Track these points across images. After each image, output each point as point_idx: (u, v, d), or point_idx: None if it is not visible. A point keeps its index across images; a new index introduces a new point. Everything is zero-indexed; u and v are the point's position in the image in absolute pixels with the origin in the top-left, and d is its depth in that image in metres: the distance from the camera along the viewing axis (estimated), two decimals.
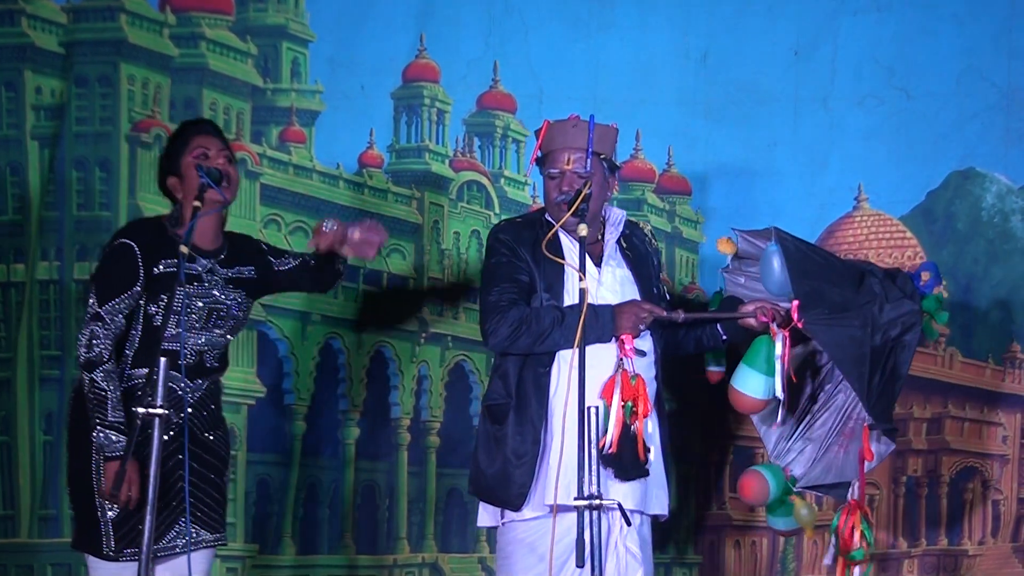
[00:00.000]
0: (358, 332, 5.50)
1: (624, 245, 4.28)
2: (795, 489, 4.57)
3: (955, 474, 5.46)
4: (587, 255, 4.09)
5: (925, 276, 4.51)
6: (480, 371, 5.56)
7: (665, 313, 4.15)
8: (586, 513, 3.60)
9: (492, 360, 5.57)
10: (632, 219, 4.46)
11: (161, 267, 4.10)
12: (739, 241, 4.56)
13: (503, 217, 5.54)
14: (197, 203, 4.10)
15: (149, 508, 3.73)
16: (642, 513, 4.17)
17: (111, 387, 4.03)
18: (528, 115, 5.55)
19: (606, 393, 3.99)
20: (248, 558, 5.39)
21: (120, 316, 4.08)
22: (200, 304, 4.14)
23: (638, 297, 4.21)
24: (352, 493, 5.46)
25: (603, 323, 4.04)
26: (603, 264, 4.22)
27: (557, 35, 5.49)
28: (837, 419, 4.58)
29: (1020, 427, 5.47)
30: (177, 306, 4.04)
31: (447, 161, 5.61)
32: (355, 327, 5.51)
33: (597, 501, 3.62)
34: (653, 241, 4.41)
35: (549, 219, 4.23)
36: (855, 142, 5.44)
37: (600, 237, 4.25)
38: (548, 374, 4.13)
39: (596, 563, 3.62)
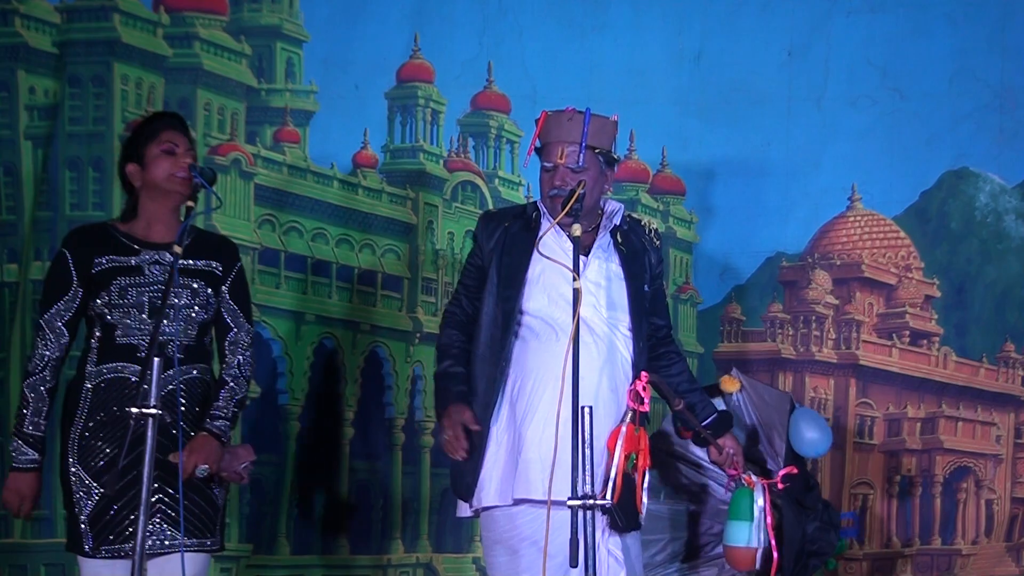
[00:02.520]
0: (352, 332, 5.51)
1: (619, 240, 4.24)
2: None
3: (949, 473, 5.47)
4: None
5: (848, 522, 4.65)
6: None
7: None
8: (579, 513, 3.59)
9: None
10: (635, 216, 4.40)
11: (96, 263, 4.09)
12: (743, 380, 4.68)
13: None
14: (191, 203, 4.09)
15: (142, 508, 3.72)
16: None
17: (35, 398, 4.05)
18: (522, 115, 5.56)
19: (611, 442, 3.92)
20: (243, 558, 5.39)
21: (59, 325, 4.07)
22: (144, 298, 4.10)
23: (624, 292, 4.17)
24: (346, 493, 5.46)
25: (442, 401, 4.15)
26: (590, 256, 4.18)
27: (551, 35, 5.49)
28: None
29: (1013, 426, 5.48)
30: (163, 301, 4.01)
31: (441, 161, 5.61)
32: (349, 327, 5.51)
33: (591, 501, 3.61)
34: (656, 240, 4.29)
35: (542, 207, 4.19)
36: (848, 142, 5.45)
37: (594, 228, 4.21)
38: (504, 373, 4.12)
39: (590, 563, 3.62)
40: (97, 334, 4.12)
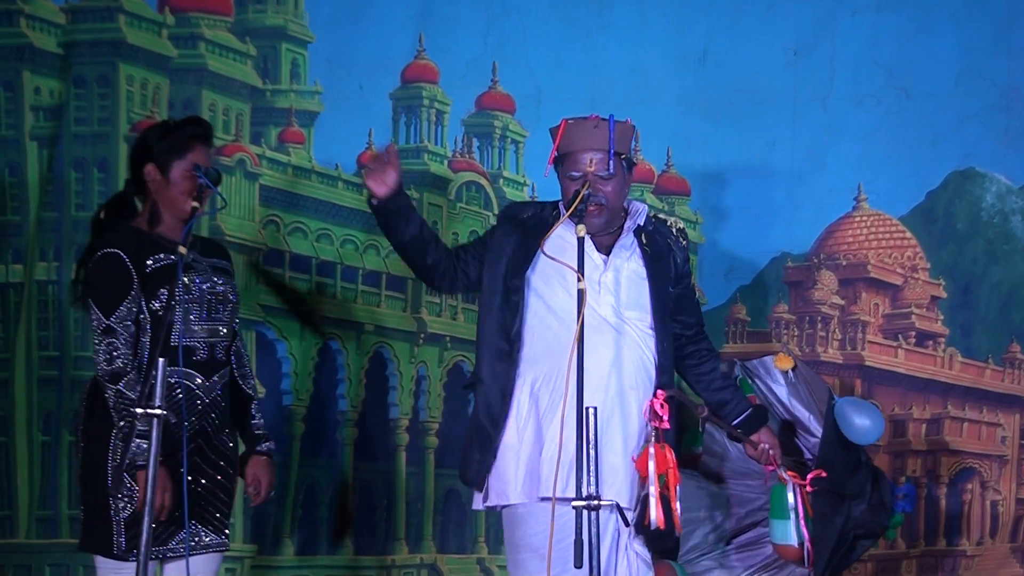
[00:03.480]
0: (357, 333, 5.51)
1: (644, 240, 4.24)
2: None
3: (954, 475, 5.46)
4: (594, 245, 4.10)
5: (903, 496, 4.62)
6: None
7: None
8: (584, 513, 3.59)
9: None
10: (661, 216, 4.40)
11: (151, 263, 4.10)
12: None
13: None
14: (195, 203, 4.10)
15: (147, 509, 3.73)
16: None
17: (134, 396, 4.03)
18: (526, 116, 5.55)
19: (640, 465, 3.95)
20: (247, 558, 5.39)
21: (130, 322, 4.07)
22: (204, 287, 4.14)
23: (647, 292, 4.17)
24: (350, 494, 5.46)
25: None
26: (610, 256, 4.18)
27: (555, 36, 5.49)
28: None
29: (1019, 428, 5.46)
30: (178, 302, 4.04)
31: (446, 162, 5.61)
32: (354, 328, 5.51)
33: (595, 502, 3.60)
34: (682, 240, 4.33)
35: (563, 210, 4.17)
36: (854, 142, 5.44)
37: (617, 229, 4.20)
38: (514, 362, 4.11)
39: (594, 563, 3.61)
40: (143, 340, 4.10)
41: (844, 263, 5.51)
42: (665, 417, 3.92)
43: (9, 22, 5.41)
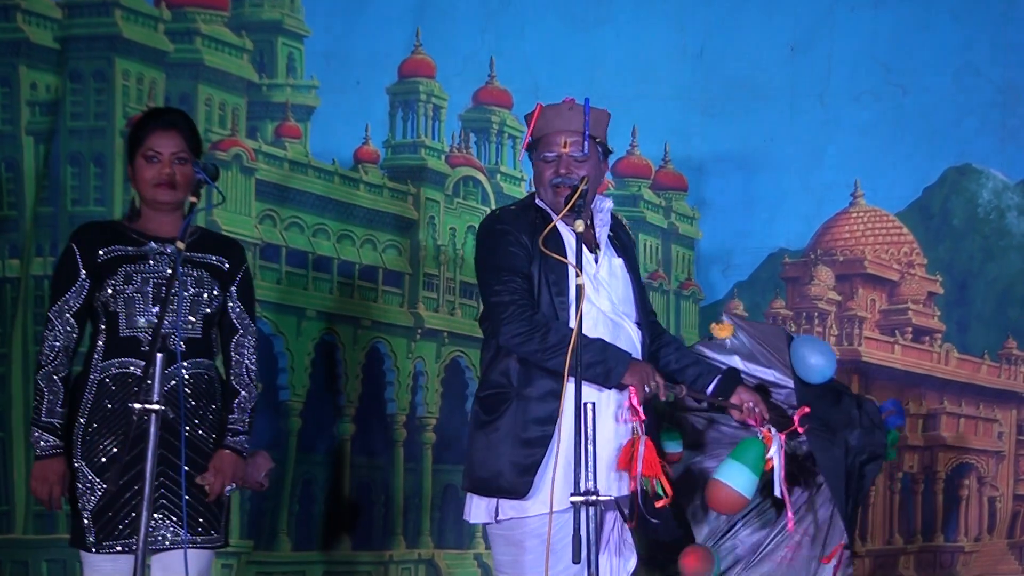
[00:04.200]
0: (353, 328, 5.50)
1: (612, 234, 4.21)
2: None
3: (951, 470, 5.47)
4: (585, 245, 4.03)
5: (890, 412, 4.52)
6: (475, 367, 5.55)
7: (662, 384, 4.08)
8: (582, 509, 3.59)
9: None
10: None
11: (102, 254, 4.09)
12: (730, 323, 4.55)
13: None
14: (194, 199, 4.08)
15: (145, 505, 3.72)
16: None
17: (48, 388, 4.04)
18: (524, 111, 5.45)
19: (623, 462, 3.93)
20: (243, 554, 5.39)
21: (68, 316, 4.07)
22: (149, 287, 4.08)
23: (631, 286, 4.16)
24: (348, 490, 5.46)
25: (612, 365, 3.92)
26: (601, 253, 4.16)
27: (553, 30, 5.49)
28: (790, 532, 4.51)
29: (1016, 423, 5.48)
30: (166, 295, 4.01)
31: (443, 156, 5.61)
32: (351, 323, 5.50)
33: (594, 497, 3.60)
34: (630, 233, 4.34)
35: (540, 204, 4.16)
36: (851, 138, 5.45)
37: (590, 223, 4.15)
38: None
39: (592, 559, 3.61)
40: (102, 328, 4.11)
41: (841, 259, 5.52)
42: (640, 411, 3.89)
43: (5, 17, 5.39)
